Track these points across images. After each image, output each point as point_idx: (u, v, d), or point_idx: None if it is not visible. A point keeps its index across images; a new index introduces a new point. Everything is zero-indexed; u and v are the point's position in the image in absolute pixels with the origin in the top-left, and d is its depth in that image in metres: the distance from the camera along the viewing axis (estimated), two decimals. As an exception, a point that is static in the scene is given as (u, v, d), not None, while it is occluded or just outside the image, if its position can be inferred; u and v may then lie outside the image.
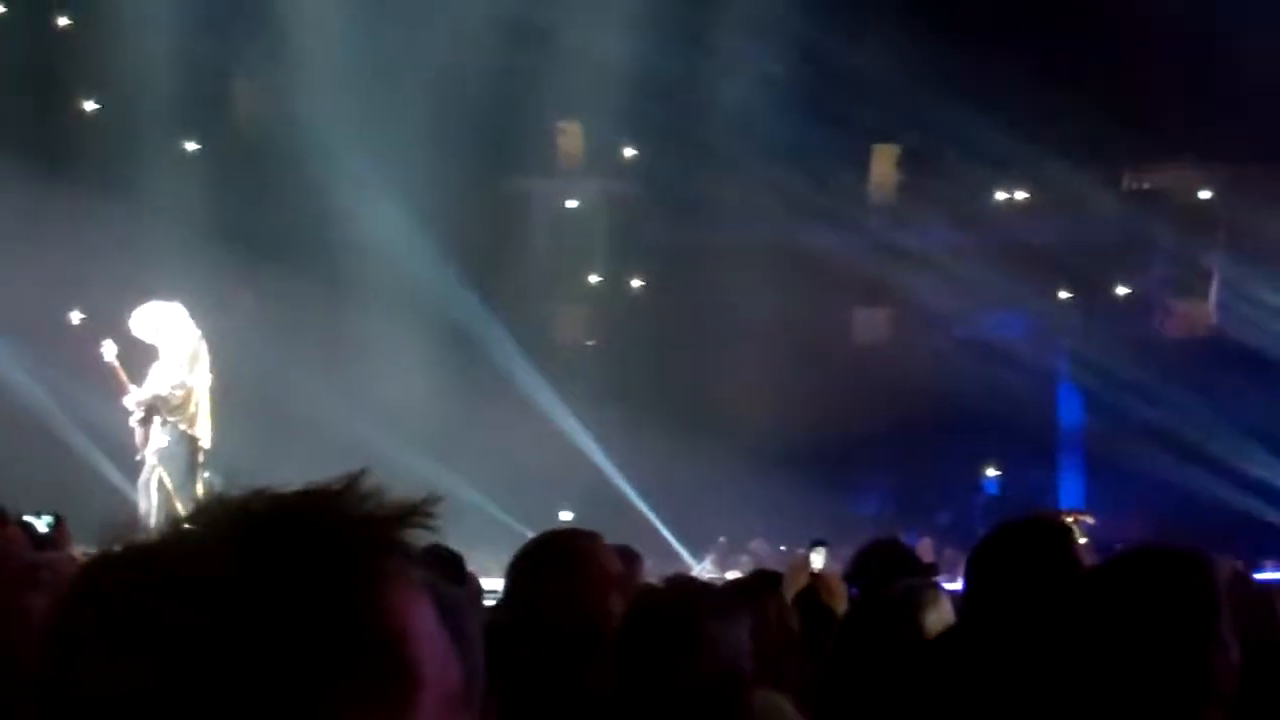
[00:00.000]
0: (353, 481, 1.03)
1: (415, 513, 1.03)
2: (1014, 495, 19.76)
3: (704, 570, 14.66)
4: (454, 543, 4.72)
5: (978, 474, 20.90)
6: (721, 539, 17.74)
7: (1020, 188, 21.63)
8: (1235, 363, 19.25)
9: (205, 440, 10.79)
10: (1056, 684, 2.75)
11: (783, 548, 15.32)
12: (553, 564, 3.69)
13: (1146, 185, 22.22)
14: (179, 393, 10.56)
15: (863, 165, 21.88)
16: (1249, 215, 19.63)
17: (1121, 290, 21.76)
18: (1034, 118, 18.53)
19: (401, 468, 12.90)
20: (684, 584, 3.62)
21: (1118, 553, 3.24)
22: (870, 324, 22.39)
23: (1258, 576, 10.26)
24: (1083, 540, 5.76)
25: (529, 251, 20.60)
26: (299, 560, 0.98)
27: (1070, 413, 21.43)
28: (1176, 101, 19.07)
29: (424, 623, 1.03)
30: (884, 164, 22.09)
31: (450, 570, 4.79)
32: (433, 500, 1.05)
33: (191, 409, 10.63)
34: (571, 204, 21.96)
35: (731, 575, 10.31)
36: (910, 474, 20.20)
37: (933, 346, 20.28)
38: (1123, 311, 21.53)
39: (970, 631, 3.34)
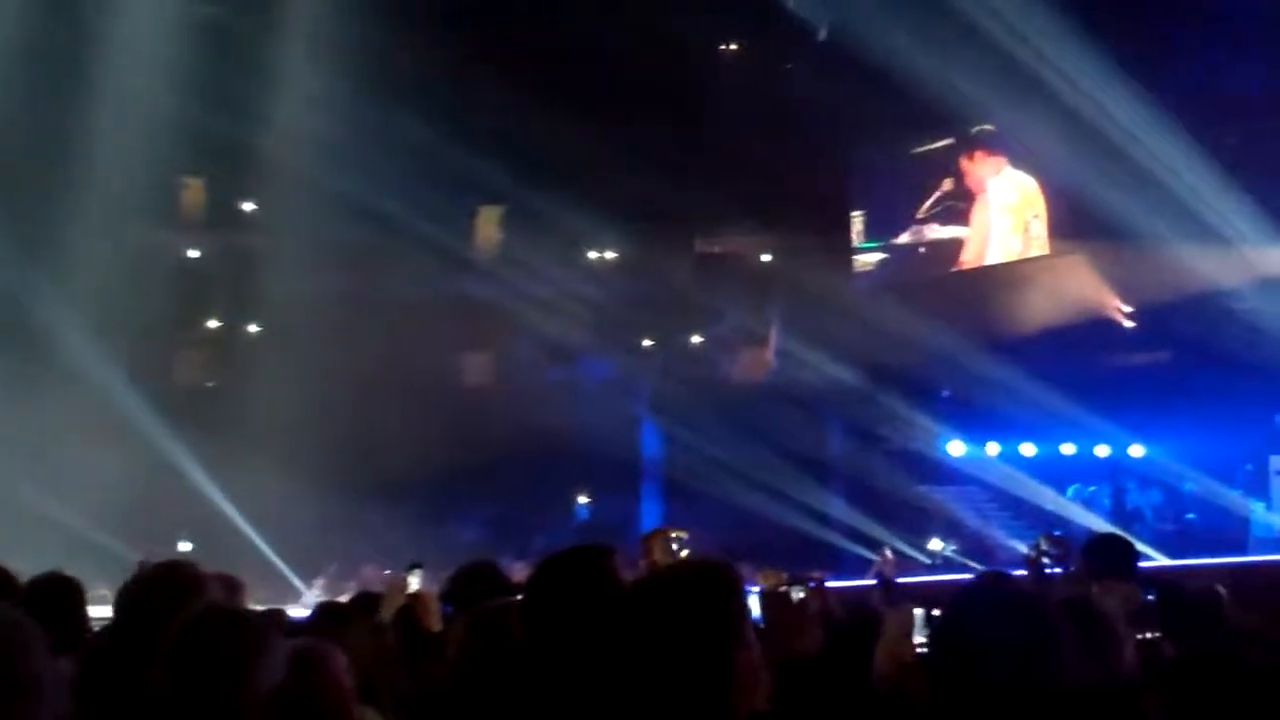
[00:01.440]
0: None
1: None
2: (602, 520, 20.14)
3: (314, 595, 14.33)
4: (75, 573, 4.52)
5: (571, 502, 21.24)
6: (333, 566, 17.37)
7: (610, 248, 22.20)
8: (789, 402, 19.97)
9: None
10: (605, 687, 2.81)
11: (388, 571, 15.13)
12: (159, 594, 3.57)
13: (717, 248, 23.04)
14: None
15: (470, 224, 22.08)
16: (802, 276, 20.58)
17: (695, 339, 22.48)
18: (622, 185, 18.92)
19: (14, 502, 12.07)
20: (227, 612, 3.49)
21: (657, 570, 3.31)
22: (477, 367, 22.45)
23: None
24: (684, 553, 5.87)
25: (152, 298, 19.77)
26: None
27: (651, 447, 21.90)
28: (743, 175, 19.81)
29: None
30: (489, 223, 22.29)
31: (69, 599, 4.56)
32: None
33: None
34: (193, 254, 21.17)
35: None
36: (510, 503, 20.27)
37: (532, 388, 20.52)
38: (696, 358, 22.22)
39: (532, 645, 3.37)
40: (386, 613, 5.76)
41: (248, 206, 21.04)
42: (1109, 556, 6.17)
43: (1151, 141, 17.39)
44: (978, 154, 20.67)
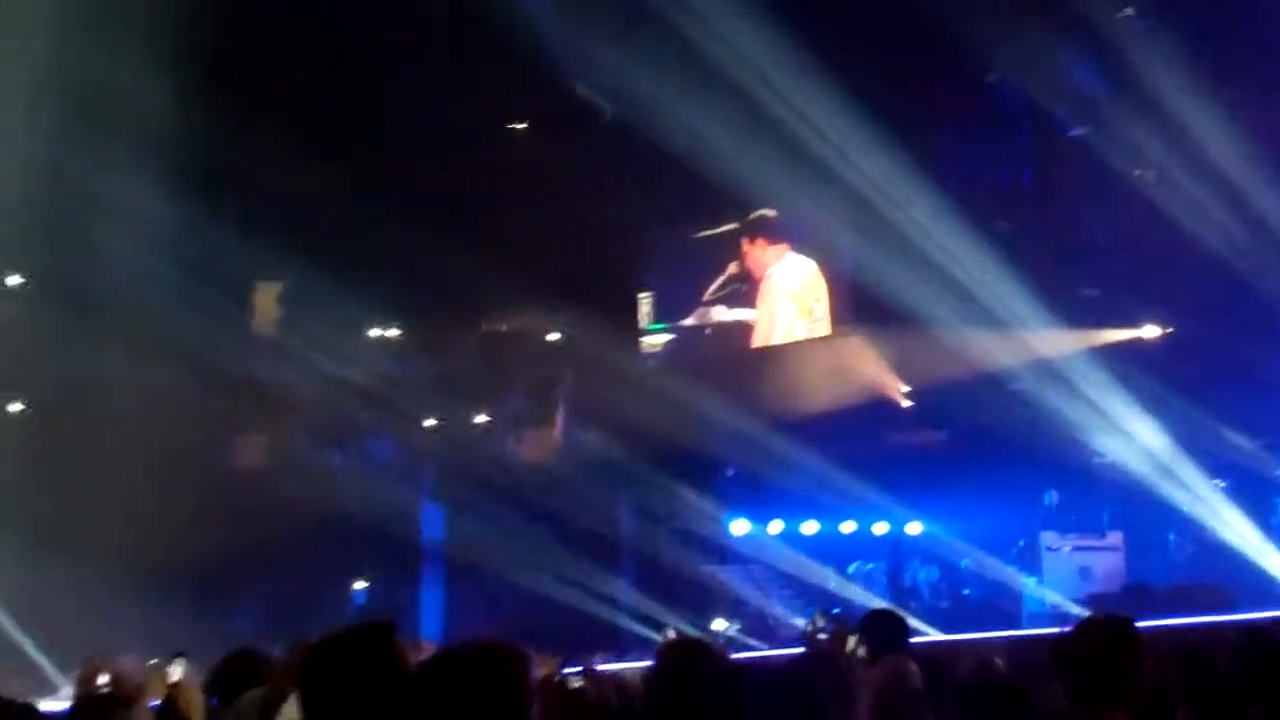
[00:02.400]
0: None
1: None
2: (381, 606, 19.78)
3: (72, 688, 13.54)
4: None
5: (348, 587, 20.71)
6: (94, 656, 16.47)
7: (393, 326, 21.88)
8: (576, 483, 19.96)
9: None
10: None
11: (152, 661, 14.46)
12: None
13: (504, 328, 22.90)
14: None
15: (246, 300, 21.55)
16: (590, 356, 20.69)
17: (480, 419, 22.26)
18: (406, 263, 18.69)
19: None
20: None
21: (442, 651, 3.17)
22: (251, 449, 21.84)
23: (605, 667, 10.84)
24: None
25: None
26: None
27: (433, 529, 21.57)
28: (531, 254, 19.73)
29: None
30: (266, 300, 21.78)
31: None
32: None
33: None
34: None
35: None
36: (284, 589, 19.68)
37: (309, 469, 20.12)
38: (481, 438, 21.94)
39: None
40: (146, 702, 5.46)
41: (11, 280, 20.02)
42: (883, 632, 6.35)
43: (930, 227, 17.99)
44: (759, 239, 21.14)
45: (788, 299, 21.14)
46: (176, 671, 5.53)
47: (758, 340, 21.40)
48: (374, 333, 22.03)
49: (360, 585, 20.90)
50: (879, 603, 16.50)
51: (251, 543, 17.98)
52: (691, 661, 3.26)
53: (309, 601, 19.52)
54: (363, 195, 17.49)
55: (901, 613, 6.96)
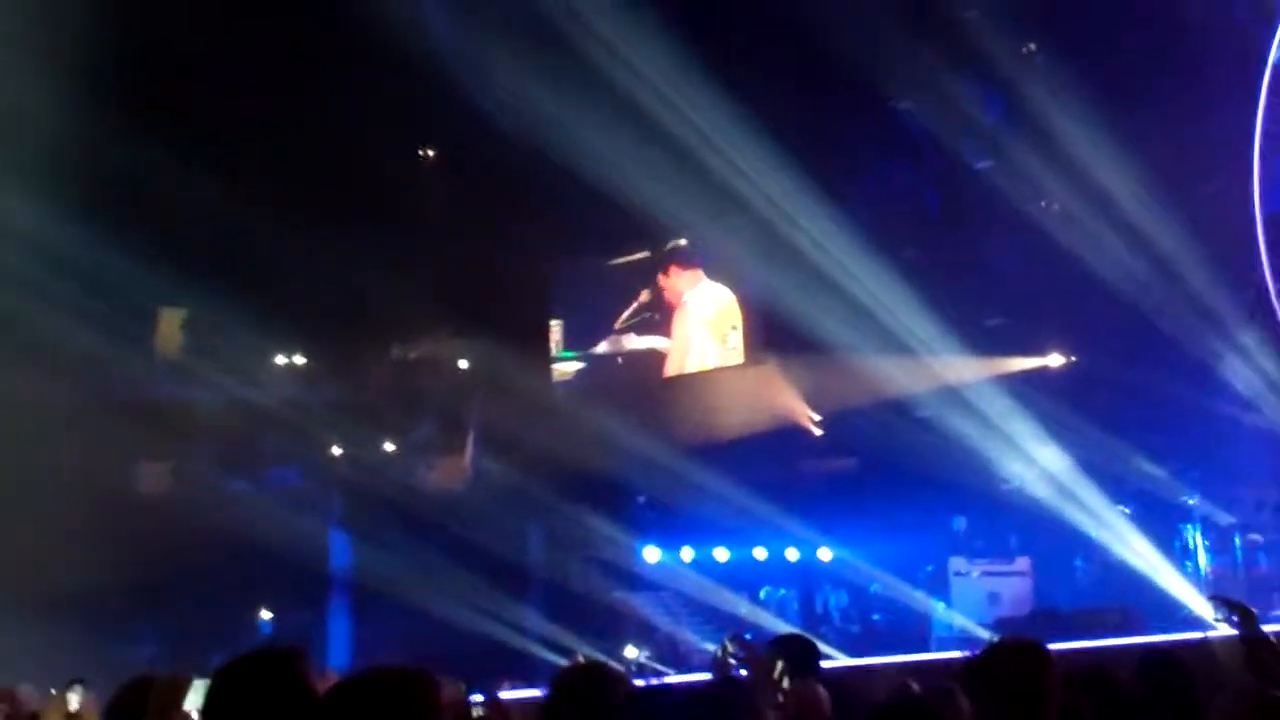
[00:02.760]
0: None
1: None
2: (287, 635, 19.39)
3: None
4: None
5: (253, 616, 20.39)
6: (-12, 688, 16.04)
7: (300, 353, 21.63)
8: (486, 511, 19.85)
9: None
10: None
11: (53, 691, 14.13)
12: None
13: (413, 355, 22.71)
14: None
15: (150, 326, 21.17)
16: (501, 384, 20.59)
17: (389, 447, 22.03)
18: (315, 289, 18.61)
19: None
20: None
21: (359, 674, 3.11)
22: (154, 475, 21.35)
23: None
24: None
25: None
26: None
27: (340, 557, 21.30)
28: (442, 281, 19.74)
29: None
30: (170, 326, 21.43)
31: None
32: None
33: None
34: None
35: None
36: (187, 618, 19.18)
37: (212, 496, 19.77)
38: (389, 466, 21.71)
39: None
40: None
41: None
42: (793, 656, 6.31)
43: (839, 255, 18.18)
44: (672, 268, 21.25)
45: (702, 326, 21.26)
46: (74, 700, 5.39)
47: (670, 368, 21.47)
48: (281, 359, 21.76)
49: (266, 614, 20.59)
50: (790, 628, 16.65)
51: (155, 570, 17.68)
52: (588, 685, 3.22)
53: (213, 630, 19.05)
54: (270, 221, 17.15)
55: (810, 637, 6.93)
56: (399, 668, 2.91)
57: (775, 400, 20.39)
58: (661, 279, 21.21)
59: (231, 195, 16.94)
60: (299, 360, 21.92)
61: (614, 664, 17.72)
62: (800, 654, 6.25)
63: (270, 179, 18.13)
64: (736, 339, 20.86)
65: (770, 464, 19.57)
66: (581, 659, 13.80)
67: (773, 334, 19.90)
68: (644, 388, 21.28)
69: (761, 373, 20.49)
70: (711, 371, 21.11)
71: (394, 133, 19.85)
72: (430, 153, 21.82)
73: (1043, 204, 18.47)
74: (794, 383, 20.32)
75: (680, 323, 21.36)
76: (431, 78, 17.47)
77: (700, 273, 21.20)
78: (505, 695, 9.66)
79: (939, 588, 18.20)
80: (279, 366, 21.76)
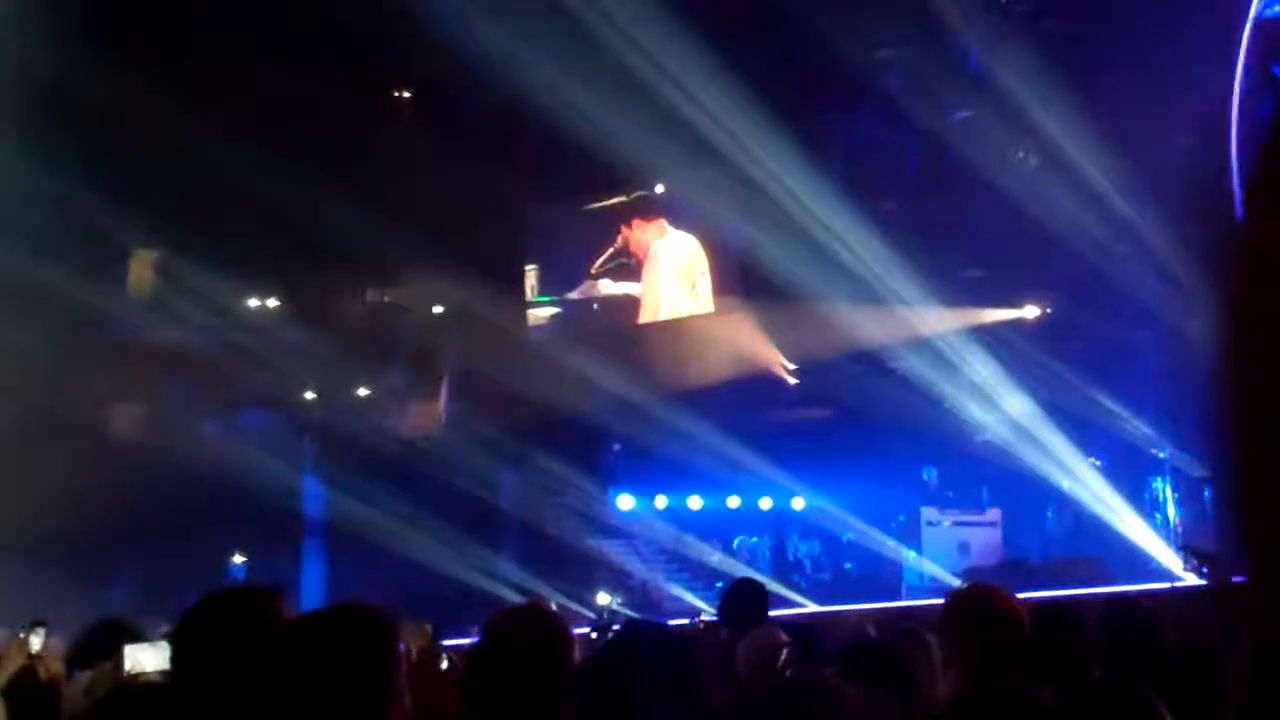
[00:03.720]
0: None
1: None
2: (260, 579, 19.02)
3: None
4: None
5: (226, 561, 20.38)
6: (-43, 630, 16.01)
7: (274, 295, 21.58)
8: (460, 457, 19.91)
9: None
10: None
11: (21, 634, 14.14)
12: None
13: (388, 298, 22.74)
14: None
15: (121, 267, 21.11)
16: (475, 329, 20.72)
17: (362, 392, 22.08)
18: (287, 232, 18.40)
19: None
20: None
21: (315, 612, 3.09)
22: (126, 418, 21.36)
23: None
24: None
25: None
26: None
27: (314, 503, 21.39)
28: (416, 225, 19.31)
29: None
30: (143, 267, 21.37)
31: None
32: None
33: None
34: None
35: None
36: (162, 562, 18.76)
37: (186, 440, 19.62)
38: (363, 411, 21.80)
39: (179, 687, 3.19)
40: (3, 674, 5.29)
41: None
42: (740, 604, 6.31)
43: (815, 205, 18.21)
44: (635, 221, 21.29)
45: (672, 274, 21.29)
46: (35, 642, 5.36)
47: (644, 316, 21.50)
48: (254, 302, 21.74)
49: (239, 558, 20.61)
50: (761, 576, 16.72)
51: (127, 514, 17.46)
52: (516, 626, 3.21)
53: (186, 574, 18.95)
54: (243, 162, 17.01)
55: (761, 580, 6.91)
56: (356, 606, 2.89)
57: (749, 349, 20.45)
58: (625, 231, 21.19)
59: (204, 135, 16.80)
60: (272, 303, 21.86)
61: (580, 609, 18.02)
62: (747, 600, 6.23)
63: (244, 119, 17.90)
64: (705, 285, 20.89)
65: (744, 413, 19.63)
66: (554, 607, 13.94)
67: (745, 282, 19.98)
68: (619, 334, 21.30)
69: (734, 321, 20.55)
70: (683, 319, 21.19)
71: (368, 73, 19.75)
72: (405, 93, 21.70)
73: (1019, 155, 18.51)
74: (768, 332, 20.37)
75: (651, 271, 21.38)
76: (405, 16, 17.33)
77: (663, 222, 21.20)
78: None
79: (910, 537, 18.24)
80: (252, 309, 21.72)
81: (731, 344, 20.45)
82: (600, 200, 21.45)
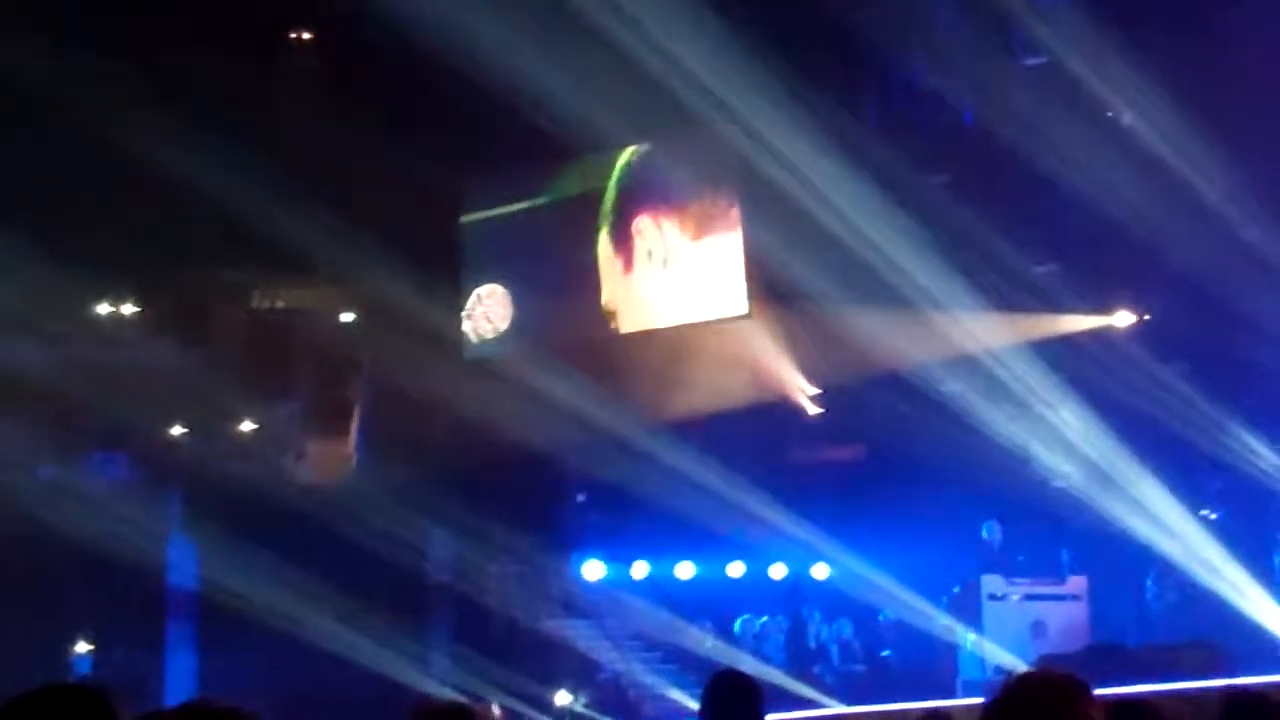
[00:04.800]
0: None
1: None
2: (111, 675, 19.41)
3: None
4: None
5: (66, 651, 20.39)
6: None
7: (128, 299, 21.61)
8: (376, 510, 19.86)
9: None
10: None
11: None
12: None
13: (280, 304, 22.74)
14: None
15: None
16: (396, 344, 20.48)
17: (247, 427, 22.06)
18: (146, 211, 18.58)
19: None
20: None
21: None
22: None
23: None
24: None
25: None
26: None
27: (183, 570, 21.27)
28: (318, 209, 19.34)
29: None
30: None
31: None
32: None
33: None
34: None
35: None
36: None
37: (15, 490, 19.44)
38: (248, 452, 21.82)
39: None
40: None
41: None
42: (723, 709, 6.09)
43: (847, 180, 18.21)
44: (631, 203, 21.26)
45: (667, 271, 20.98)
46: None
47: (625, 322, 21.28)
48: (104, 308, 21.77)
49: (83, 647, 20.61)
50: (773, 669, 17.10)
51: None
52: None
53: (14, 668, 18.29)
54: (88, 121, 17.17)
55: (751, 678, 6.61)
56: (209, 709, 2.88)
57: (759, 368, 20.31)
58: (614, 214, 21.12)
59: (35, 82, 16.84)
60: (129, 309, 21.91)
61: (532, 713, 17.89)
62: (738, 701, 6.03)
63: (86, 63, 17.73)
64: (718, 288, 20.48)
65: (752, 451, 19.62)
66: (497, 709, 13.79)
67: (760, 285, 19.78)
68: (589, 350, 21.05)
69: (742, 332, 20.31)
70: (678, 329, 20.91)
71: (256, 11, 19.82)
72: (304, 35, 21.69)
73: (1110, 114, 18.39)
74: (785, 345, 20.26)
75: (642, 265, 21.10)
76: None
77: (668, 207, 21.03)
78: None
79: (968, 615, 18.11)
80: (102, 318, 21.79)
81: (739, 361, 20.28)
82: (557, 174, 21.44)
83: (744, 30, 17.51)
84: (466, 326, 21.91)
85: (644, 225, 21.17)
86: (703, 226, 20.75)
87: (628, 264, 21.33)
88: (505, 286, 21.79)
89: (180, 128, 17.60)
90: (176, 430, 21.78)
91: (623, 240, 21.30)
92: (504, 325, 21.74)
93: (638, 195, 21.20)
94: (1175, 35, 17.09)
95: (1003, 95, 18.68)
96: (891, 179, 18.37)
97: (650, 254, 21.14)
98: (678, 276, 20.99)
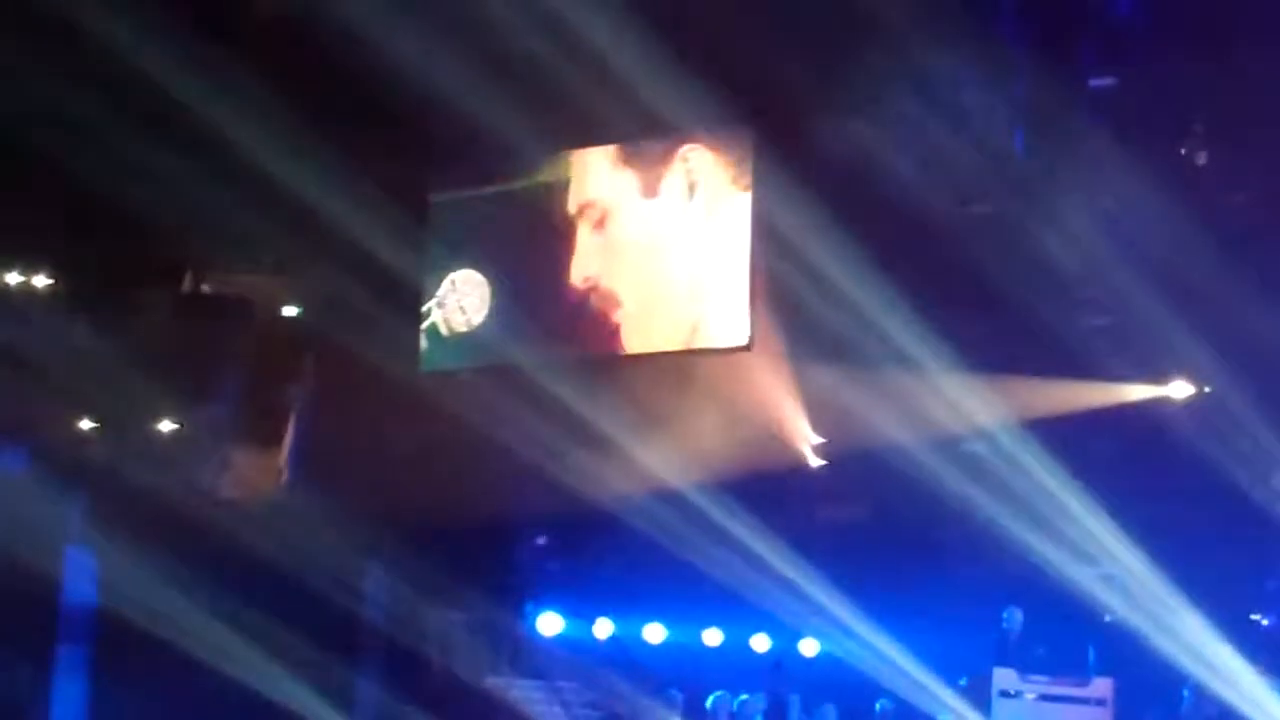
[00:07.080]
0: None
1: None
2: None
3: None
4: None
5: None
6: None
7: (41, 269, 21.70)
8: (308, 533, 19.00)
9: None
10: None
11: None
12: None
13: (214, 289, 22.66)
14: None
15: None
16: (343, 342, 19.68)
17: (165, 427, 22.24)
18: (69, 180, 17.56)
19: None
20: None
21: None
22: None
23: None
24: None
25: None
26: None
27: (80, 585, 20.41)
28: (263, 183, 18.19)
29: None
30: None
31: None
32: None
33: None
34: None
35: None
36: None
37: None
38: (164, 456, 21.81)
39: None
40: None
41: None
42: None
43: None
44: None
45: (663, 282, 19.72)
46: None
47: (630, 341, 19.80)
48: (14, 277, 21.67)
49: (-45, 671, 20.28)
50: None
51: None
52: None
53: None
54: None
55: None
56: None
57: (760, 408, 19.37)
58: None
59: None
60: (41, 281, 21.84)
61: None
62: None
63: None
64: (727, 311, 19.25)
65: (742, 504, 18.73)
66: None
67: (774, 316, 18.89)
68: (566, 369, 19.75)
69: (746, 366, 19.22)
70: (669, 355, 19.72)
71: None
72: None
73: (1183, 151, 17.57)
74: (790, 387, 19.43)
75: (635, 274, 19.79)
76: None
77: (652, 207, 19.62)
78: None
79: (976, 711, 17.42)
80: (11, 288, 21.92)
81: (738, 399, 19.32)
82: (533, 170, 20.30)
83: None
84: (436, 317, 20.70)
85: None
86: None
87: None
88: (482, 273, 20.74)
89: (105, 79, 16.84)
90: (84, 424, 21.84)
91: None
92: (479, 318, 20.55)
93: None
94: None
95: (1060, 117, 17.97)
96: (917, 202, 17.11)
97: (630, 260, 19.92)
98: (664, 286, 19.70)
